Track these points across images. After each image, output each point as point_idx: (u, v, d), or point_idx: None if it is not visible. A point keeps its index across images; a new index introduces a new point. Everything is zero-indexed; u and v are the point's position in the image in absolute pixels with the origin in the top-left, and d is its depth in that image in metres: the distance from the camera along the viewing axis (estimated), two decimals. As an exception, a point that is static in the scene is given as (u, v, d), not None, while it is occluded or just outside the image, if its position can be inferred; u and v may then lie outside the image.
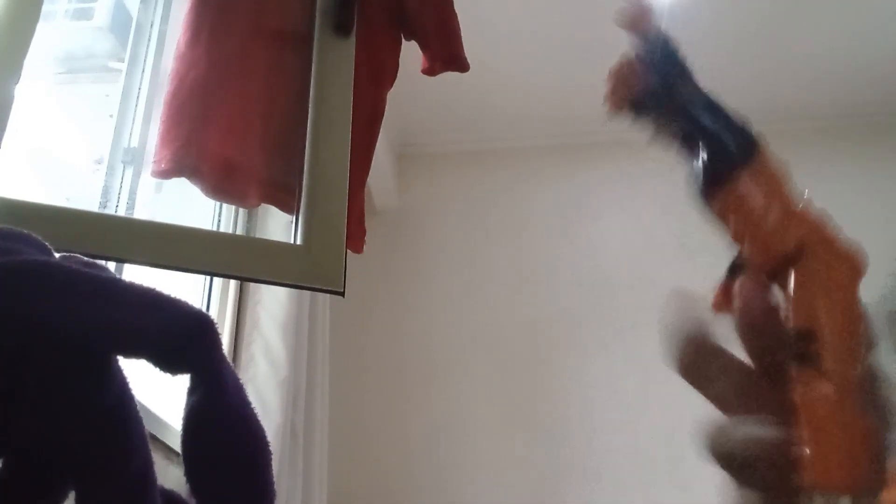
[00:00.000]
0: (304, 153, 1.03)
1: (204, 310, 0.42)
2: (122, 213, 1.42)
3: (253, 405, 0.45)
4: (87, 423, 0.40)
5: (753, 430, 0.30)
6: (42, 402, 0.39)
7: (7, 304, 0.38)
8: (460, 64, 1.42)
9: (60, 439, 0.39)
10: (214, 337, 0.42)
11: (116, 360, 0.42)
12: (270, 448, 0.45)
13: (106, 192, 1.43)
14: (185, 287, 1.73)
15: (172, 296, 0.42)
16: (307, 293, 1.81)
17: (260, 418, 0.46)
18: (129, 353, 0.41)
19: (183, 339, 0.41)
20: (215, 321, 0.43)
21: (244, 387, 0.46)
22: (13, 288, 0.38)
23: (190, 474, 0.43)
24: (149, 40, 1.58)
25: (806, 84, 2.78)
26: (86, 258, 0.44)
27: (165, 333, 0.40)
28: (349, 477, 2.37)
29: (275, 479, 0.45)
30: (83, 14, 1.63)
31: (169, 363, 0.41)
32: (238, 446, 0.43)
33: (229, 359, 1.68)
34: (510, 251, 2.85)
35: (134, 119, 1.50)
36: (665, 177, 2.91)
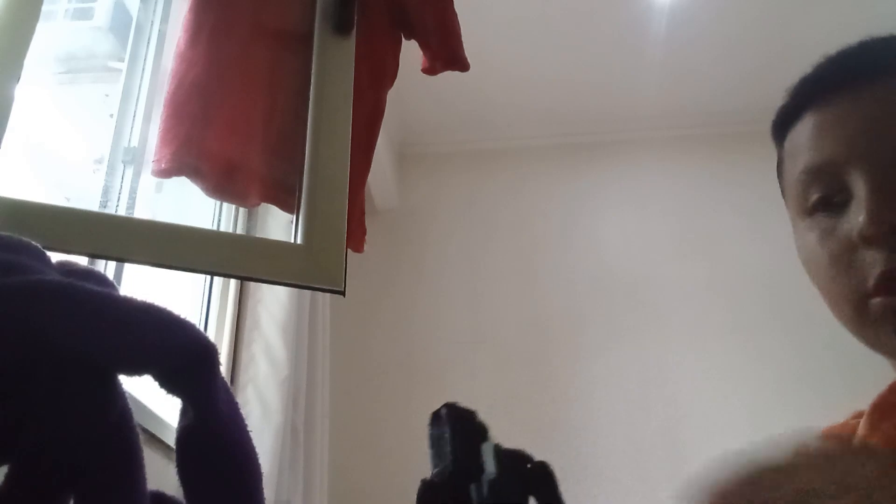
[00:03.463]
0: (304, 152, 1.03)
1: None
2: (122, 213, 1.42)
3: (248, 428, 0.47)
4: (92, 437, 0.41)
5: None
6: (50, 415, 0.40)
7: (19, 323, 0.39)
8: (461, 63, 1.42)
9: (66, 451, 0.40)
10: (213, 366, 0.44)
11: (118, 377, 0.44)
12: (261, 471, 0.47)
13: (106, 192, 1.43)
14: (185, 286, 1.73)
15: (179, 317, 0.44)
16: (307, 293, 1.81)
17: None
18: (133, 372, 0.43)
19: (183, 365, 0.43)
20: (217, 348, 0.45)
21: (240, 410, 0.48)
22: (25, 307, 0.40)
23: (185, 492, 0.44)
24: (149, 40, 1.58)
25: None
26: (85, 266, 0.45)
27: (168, 357, 0.42)
28: (350, 476, 2.37)
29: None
30: (83, 14, 1.63)
31: (168, 384, 0.43)
32: (227, 470, 0.45)
33: (230, 358, 1.68)
34: (510, 251, 2.85)
35: (134, 119, 1.50)
36: (666, 176, 2.91)
